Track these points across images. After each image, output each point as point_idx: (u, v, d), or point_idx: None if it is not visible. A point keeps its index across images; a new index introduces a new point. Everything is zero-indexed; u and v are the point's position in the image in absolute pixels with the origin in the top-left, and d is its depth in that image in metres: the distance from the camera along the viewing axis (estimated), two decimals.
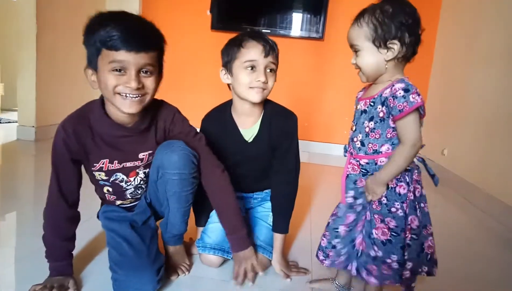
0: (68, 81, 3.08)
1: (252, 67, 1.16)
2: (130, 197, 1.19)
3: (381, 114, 0.93)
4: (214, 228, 1.27)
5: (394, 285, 0.97)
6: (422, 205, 0.95)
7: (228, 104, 1.31)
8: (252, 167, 1.32)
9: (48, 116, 2.92)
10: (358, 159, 0.99)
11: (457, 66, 2.75)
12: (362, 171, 0.98)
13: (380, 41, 0.92)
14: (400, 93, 0.88)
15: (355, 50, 0.96)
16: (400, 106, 0.87)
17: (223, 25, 3.28)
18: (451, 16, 2.99)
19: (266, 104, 1.28)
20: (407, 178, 0.93)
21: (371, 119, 0.95)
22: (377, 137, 0.95)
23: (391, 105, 0.89)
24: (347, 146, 1.04)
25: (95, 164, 1.07)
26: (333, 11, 3.23)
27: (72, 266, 1.07)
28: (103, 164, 1.08)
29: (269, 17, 3.28)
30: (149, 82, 0.99)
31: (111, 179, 1.12)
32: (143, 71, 0.97)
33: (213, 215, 1.29)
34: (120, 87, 0.95)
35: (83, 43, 0.97)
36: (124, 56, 0.92)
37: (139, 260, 1.06)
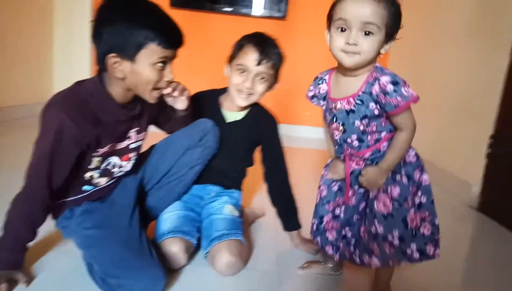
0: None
1: (244, 71, 1.22)
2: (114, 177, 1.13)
3: (376, 112, 0.89)
4: (168, 217, 1.21)
5: (399, 265, 0.97)
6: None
7: (222, 91, 1.35)
8: (223, 153, 1.28)
9: None
10: (361, 155, 0.95)
11: (417, 48, 2.83)
12: (366, 163, 0.96)
13: (392, 32, 0.86)
14: (390, 88, 0.84)
15: (368, 30, 0.83)
16: (394, 102, 0.84)
17: (183, 2, 3.13)
18: None
19: (254, 105, 1.33)
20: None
21: (364, 118, 0.90)
22: (374, 129, 0.92)
23: (383, 102, 0.86)
24: (338, 149, 0.99)
25: (99, 150, 1.02)
26: None
27: (24, 259, 1.01)
28: (108, 147, 1.04)
29: None
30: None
31: (103, 165, 1.07)
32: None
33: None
34: (161, 82, 1.01)
35: (101, 26, 0.94)
36: (170, 53, 0.98)
37: (141, 258, 0.98)
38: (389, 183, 0.93)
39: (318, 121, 1.18)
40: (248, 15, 3.21)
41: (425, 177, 0.95)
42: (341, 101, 0.93)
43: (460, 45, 2.19)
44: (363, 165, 0.96)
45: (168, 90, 1.05)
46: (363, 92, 0.89)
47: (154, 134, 1.29)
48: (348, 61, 0.86)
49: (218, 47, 3.21)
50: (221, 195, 1.33)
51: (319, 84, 1.02)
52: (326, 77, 1.01)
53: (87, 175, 1.06)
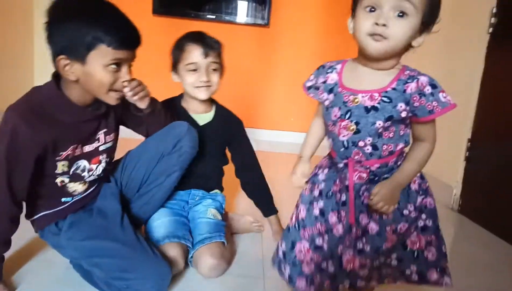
0: None
1: (195, 69, 1.25)
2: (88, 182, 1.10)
3: (403, 114, 0.76)
4: (160, 223, 1.20)
5: (394, 283, 0.90)
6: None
7: (178, 97, 1.38)
8: (202, 157, 1.28)
9: None
10: (368, 166, 0.81)
11: None
12: (370, 178, 0.82)
13: (428, 22, 0.75)
14: (428, 90, 0.74)
15: (402, 11, 0.71)
16: (429, 107, 0.74)
17: (166, 9, 3.13)
18: None
19: (218, 107, 1.39)
20: None
21: (388, 119, 0.76)
22: (391, 136, 0.79)
23: (416, 105, 0.74)
24: (343, 152, 0.83)
25: (61, 153, 0.99)
26: None
27: (2, 269, 0.98)
28: (70, 150, 1.01)
29: (214, 2, 3.20)
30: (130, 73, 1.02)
31: (72, 169, 1.04)
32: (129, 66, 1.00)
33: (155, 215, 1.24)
34: (117, 84, 0.98)
35: (52, 26, 0.92)
36: (124, 54, 0.94)
37: (146, 257, 1.00)
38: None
39: (303, 127, 1.12)
40: (231, 22, 3.23)
41: (429, 199, 0.86)
42: (362, 95, 0.78)
43: (436, 50, 2.26)
44: (367, 179, 0.82)
45: (127, 94, 1.01)
46: (393, 89, 0.76)
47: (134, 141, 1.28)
48: (374, 46, 0.73)
49: None
50: (205, 198, 1.35)
51: (327, 72, 0.86)
52: (338, 66, 0.85)
53: (58, 180, 1.04)
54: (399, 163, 0.83)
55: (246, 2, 3.21)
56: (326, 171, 0.90)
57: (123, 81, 0.98)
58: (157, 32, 2.82)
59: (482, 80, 1.86)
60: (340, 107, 0.81)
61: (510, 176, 1.66)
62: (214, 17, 3.16)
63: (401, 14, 0.71)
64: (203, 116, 1.35)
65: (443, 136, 2.18)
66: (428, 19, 0.74)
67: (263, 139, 3.41)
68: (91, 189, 1.12)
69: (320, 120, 0.93)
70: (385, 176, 0.82)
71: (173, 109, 1.30)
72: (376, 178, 0.82)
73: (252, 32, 3.30)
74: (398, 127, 0.79)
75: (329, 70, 0.86)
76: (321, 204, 0.87)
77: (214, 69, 1.28)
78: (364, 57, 0.79)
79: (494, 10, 1.78)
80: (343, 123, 0.80)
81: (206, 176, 1.36)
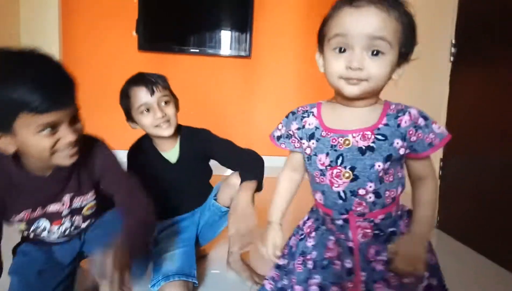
0: None
1: (148, 109, 1.23)
2: (57, 239, 1.07)
3: (401, 151, 0.68)
4: (168, 256, 1.20)
5: None
6: None
7: (146, 138, 1.36)
8: (186, 187, 1.35)
9: None
10: (372, 218, 0.70)
11: None
12: (375, 234, 0.71)
13: (406, 52, 0.68)
14: (421, 122, 0.68)
15: (376, 49, 0.64)
16: (428, 139, 0.67)
17: (151, 45, 3.26)
18: None
19: (180, 128, 1.35)
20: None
21: (387, 159, 0.68)
22: (391, 180, 0.70)
23: (413, 139, 0.68)
24: (341, 205, 0.71)
25: (14, 215, 0.95)
26: (258, 30, 3.39)
27: None
28: (24, 214, 0.96)
29: (197, 36, 3.34)
30: (78, 128, 0.89)
31: (32, 228, 1.00)
32: (71, 122, 0.87)
33: (167, 243, 1.26)
34: (59, 145, 0.85)
35: None
36: (52, 117, 0.80)
37: None
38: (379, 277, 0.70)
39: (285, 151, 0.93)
40: (215, 55, 3.36)
41: (429, 255, 0.77)
42: (353, 135, 0.69)
43: (406, 76, 2.41)
44: (371, 234, 0.71)
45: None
46: (386, 125, 0.68)
47: None
48: (351, 90, 0.66)
49: (187, 87, 3.32)
50: (209, 202, 1.39)
51: (303, 117, 0.77)
52: (314, 109, 0.76)
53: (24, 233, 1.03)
54: (399, 212, 0.75)
55: (229, 32, 3.34)
56: (313, 234, 0.78)
57: (69, 142, 0.85)
58: (143, 68, 2.83)
59: (448, 103, 2.00)
60: (328, 153, 0.71)
61: (483, 191, 1.74)
62: (198, 50, 3.30)
63: (375, 53, 0.64)
64: (173, 153, 1.34)
65: None
66: (406, 49, 0.68)
67: None
68: (67, 238, 1.08)
69: (290, 174, 0.83)
70: (390, 229, 0.72)
71: (143, 154, 1.32)
72: (382, 234, 0.71)
73: (234, 63, 3.43)
74: (396, 169, 0.71)
75: (305, 115, 0.77)
76: (317, 278, 0.74)
77: (166, 102, 1.26)
78: (342, 97, 0.71)
79: (453, 41, 1.95)
80: (335, 171, 0.70)
81: (196, 197, 1.41)
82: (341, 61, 0.66)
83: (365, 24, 0.62)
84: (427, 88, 2.21)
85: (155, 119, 1.23)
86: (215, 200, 1.36)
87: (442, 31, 2.03)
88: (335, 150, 0.70)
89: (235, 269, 1.33)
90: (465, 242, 1.85)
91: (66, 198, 0.99)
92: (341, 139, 0.70)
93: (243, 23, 3.33)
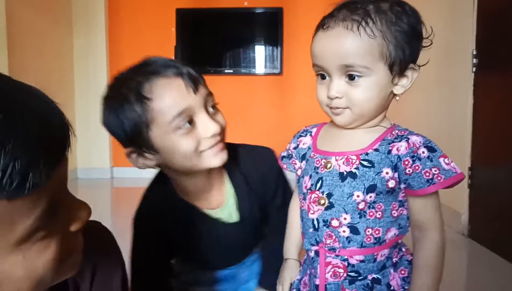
0: None
1: (190, 121, 0.70)
2: None
3: (391, 184, 0.57)
4: None
5: None
6: None
7: (166, 186, 0.82)
8: (240, 244, 0.87)
9: None
10: (345, 256, 0.59)
11: None
12: (349, 275, 0.59)
13: (401, 65, 0.57)
14: (423, 153, 0.56)
15: (349, 74, 0.56)
16: (428, 174, 0.55)
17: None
18: None
19: (230, 156, 0.78)
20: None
21: (370, 190, 0.57)
22: (378, 216, 0.58)
23: (408, 171, 0.56)
24: (311, 235, 0.62)
25: None
26: (288, 47, 3.50)
27: None
28: None
29: (232, 57, 3.54)
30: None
31: None
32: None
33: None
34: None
35: None
36: (25, 203, 0.40)
37: None
38: None
39: None
40: (249, 74, 3.54)
41: None
42: (336, 157, 0.60)
43: (428, 88, 2.44)
44: (344, 276, 0.59)
45: None
46: (375, 150, 0.58)
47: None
48: (338, 120, 0.60)
49: (225, 106, 3.50)
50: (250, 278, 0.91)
51: (300, 136, 0.71)
52: (314, 129, 0.70)
53: None
54: (394, 259, 0.62)
55: (262, 50, 3.51)
56: (301, 267, 0.71)
57: None
58: None
59: (473, 113, 2.03)
60: (311, 176, 0.62)
61: None
62: (232, 71, 3.51)
63: (352, 78, 0.56)
64: (223, 211, 0.82)
65: None
66: (402, 58, 0.57)
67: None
68: None
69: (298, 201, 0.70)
70: (374, 276, 0.60)
71: (172, 220, 0.79)
72: (360, 277, 0.59)
73: (267, 80, 3.60)
74: (388, 204, 0.59)
75: (303, 134, 0.70)
76: None
77: (213, 106, 0.78)
78: None
79: (474, 52, 1.99)
80: (313, 195, 0.61)
81: (251, 248, 0.91)
82: (323, 89, 0.60)
83: (332, 50, 0.56)
84: (450, 101, 2.24)
85: (204, 142, 0.71)
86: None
87: (462, 43, 2.07)
88: (317, 173, 0.62)
89: None
90: (497, 251, 1.85)
91: None
92: (324, 162, 0.62)
93: (274, 42, 3.50)
